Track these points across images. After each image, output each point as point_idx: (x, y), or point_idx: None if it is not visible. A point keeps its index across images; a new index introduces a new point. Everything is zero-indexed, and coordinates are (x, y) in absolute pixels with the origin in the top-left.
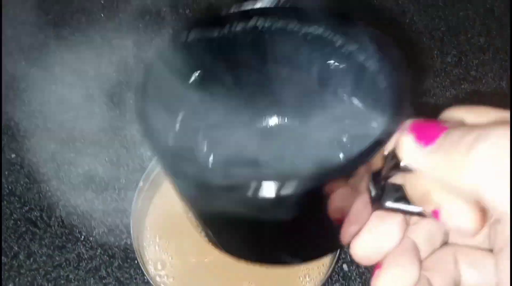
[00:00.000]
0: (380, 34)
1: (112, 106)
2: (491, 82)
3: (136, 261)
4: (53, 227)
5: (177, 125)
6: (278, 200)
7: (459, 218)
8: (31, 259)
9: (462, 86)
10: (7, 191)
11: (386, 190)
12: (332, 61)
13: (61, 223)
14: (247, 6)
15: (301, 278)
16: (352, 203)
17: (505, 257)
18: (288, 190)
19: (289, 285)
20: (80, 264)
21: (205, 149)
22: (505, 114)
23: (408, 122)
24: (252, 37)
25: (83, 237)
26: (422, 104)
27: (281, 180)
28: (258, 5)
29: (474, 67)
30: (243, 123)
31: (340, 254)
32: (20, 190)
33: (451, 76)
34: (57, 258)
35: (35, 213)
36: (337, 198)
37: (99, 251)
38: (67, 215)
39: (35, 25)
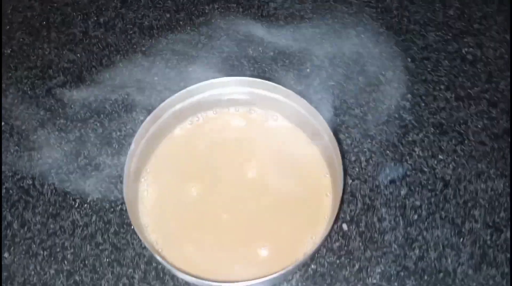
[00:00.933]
0: None
1: (102, 69)
2: (495, 35)
3: (132, 227)
4: (46, 195)
5: None
6: None
7: None
8: (25, 228)
9: (465, 40)
10: None
11: None
12: None
13: (54, 191)
14: None
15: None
16: None
17: None
18: None
19: (300, 244)
20: (75, 231)
21: None
22: None
23: None
24: None
25: (77, 204)
26: (423, 58)
27: None
28: None
29: (477, 20)
30: None
31: (339, 213)
32: (11, 158)
33: (453, 29)
34: (51, 226)
35: (27, 182)
36: None
37: (94, 217)
38: (60, 182)
39: None
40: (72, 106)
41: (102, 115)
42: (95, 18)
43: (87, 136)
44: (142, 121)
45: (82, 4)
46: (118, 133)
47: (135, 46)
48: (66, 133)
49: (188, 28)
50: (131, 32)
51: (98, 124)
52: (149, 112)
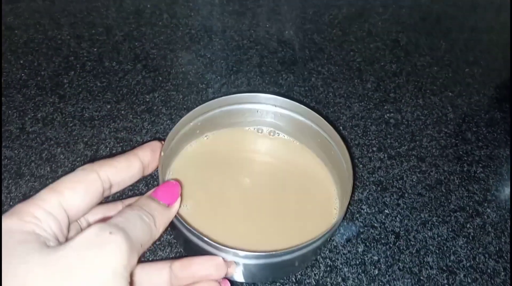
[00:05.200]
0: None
1: (42, 162)
2: (410, 101)
3: None
4: None
5: None
6: None
7: None
8: None
9: (385, 107)
10: None
11: None
12: None
13: None
14: None
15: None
16: None
17: None
18: None
19: (326, 214)
20: None
21: None
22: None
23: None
24: None
25: None
26: (353, 125)
27: None
28: None
29: (392, 90)
30: None
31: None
32: None
33: (373, 99)
34: None
35: None
36: None
37: None
38: None
39: None
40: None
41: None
42: (32, 114)
43: None
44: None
45: (17, 102)
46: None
47: (76, 138)
48: None
49: (131, 116)
50: (71, 124)
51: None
52: None
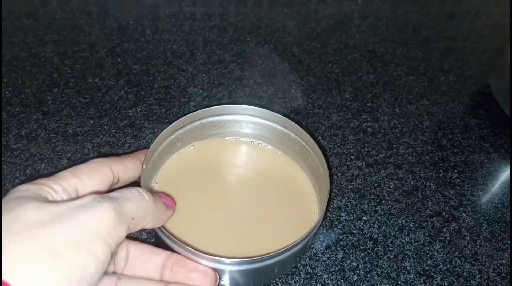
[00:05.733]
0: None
1: (26, 179)
2: (386, 110)
3: None
4: None
5: None
6: None
7: None
8: None
9: (363, 116)
10: None
11: None
12: None
13: None
14: None
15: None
16: None
17: None
18: None
19: (306, 218)
20: None
21: None
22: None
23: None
24: None
25: None
26: (331, 135)
27: None
28: None
29: (369, 100)
30: None
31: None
32: None
33: (351, 109)
34: None
35: None
36: None
37: None
38: None
39: None
40: None
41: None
42: (16, 131)
43: None
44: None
45: (1, 119)
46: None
47: (60, 153)
48: None
49: (113, 131)
50: (54, 140)
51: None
52: None
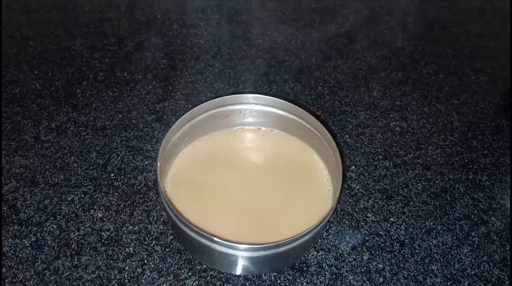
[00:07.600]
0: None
1: (56, 171)
2: (415, 109)
3: None
4: None
5: None
6: None
7: None
8: None
9: (391, 115)
10: None
11: None
12: None
13: None
14: None
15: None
16: None
17: None
18: None
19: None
20: None
21: None
22: None
23: None
24: None
25: None
26: (359, 134)
27: None
28: None
29: (398, 98)
30: None
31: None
32: None
33: (379, 107)
34: None
35: None
36: None
37: None
38: None
39: None
40: (27, 210)
41: (58, 217)
42: (47, 124)
43: (43, 240)
44: (100, 218)
45: (32, 111)
46: (77, 233)
47: (89, 146)
48: (21, 239)
49: (141, 125)
50: (84, 133)
51: (55, 226)
52: (107, 208)
